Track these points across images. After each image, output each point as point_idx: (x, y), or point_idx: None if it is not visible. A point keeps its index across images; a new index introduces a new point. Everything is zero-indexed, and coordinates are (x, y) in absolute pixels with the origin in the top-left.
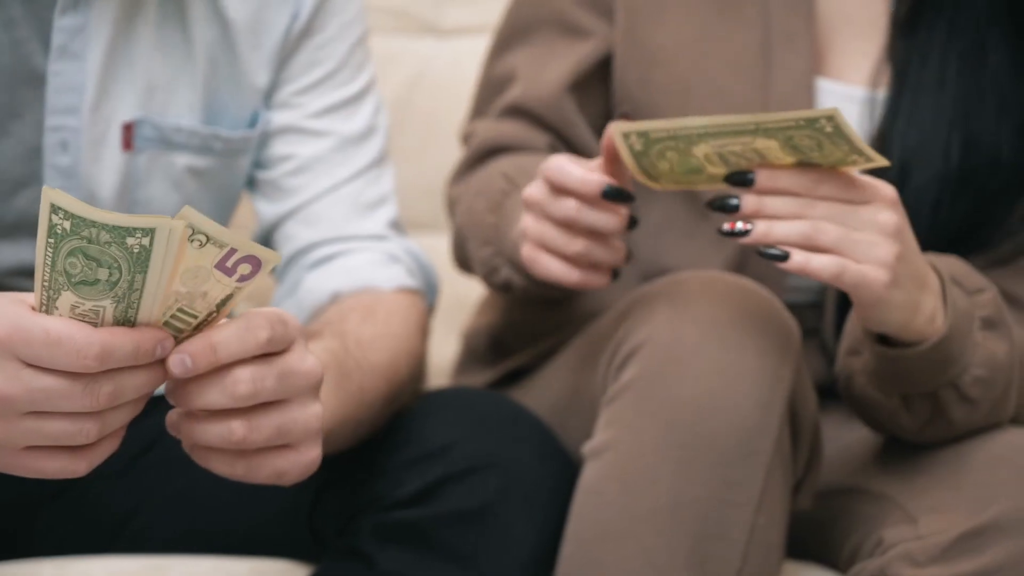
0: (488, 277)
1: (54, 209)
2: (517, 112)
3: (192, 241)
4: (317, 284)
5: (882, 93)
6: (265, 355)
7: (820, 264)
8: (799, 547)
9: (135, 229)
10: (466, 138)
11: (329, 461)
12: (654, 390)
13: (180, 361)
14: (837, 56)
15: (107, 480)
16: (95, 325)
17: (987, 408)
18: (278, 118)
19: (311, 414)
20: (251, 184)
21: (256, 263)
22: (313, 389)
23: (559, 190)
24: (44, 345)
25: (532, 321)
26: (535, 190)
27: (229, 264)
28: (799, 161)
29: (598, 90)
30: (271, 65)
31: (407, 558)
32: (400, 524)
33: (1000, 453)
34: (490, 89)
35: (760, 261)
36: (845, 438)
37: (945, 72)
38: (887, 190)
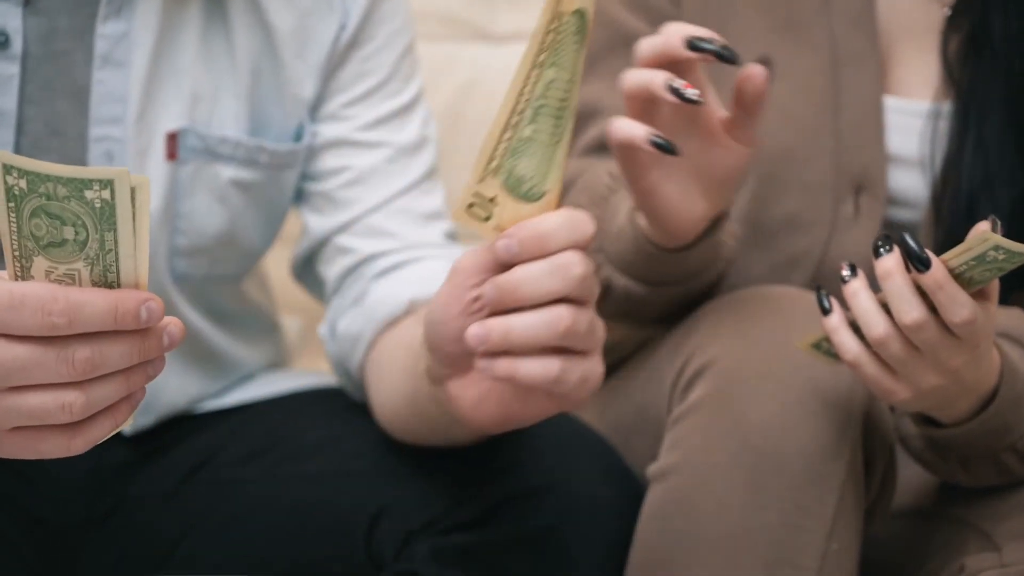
0: None
1: (7, 170)
2: (605, 149)
3: None
4: (390, 293)
5: (947, 106)
6: None
7: (845, 342)
8: (872, 572)
9: (92, 181)
10: None
11: (385, 482)
12: (722, 412)
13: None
14: (900, 72)
15: (155, 503)
16: None
17: None
18: (328, 131)
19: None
20: (299, 197)
21: None
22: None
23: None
24: (8, 308)
25: None
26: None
27: None
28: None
29: None
30: (318, 76)
31: None
32: (459, 547)
33: None
34: None
35: (833, 280)
36: None
37: (1010, 94)
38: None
